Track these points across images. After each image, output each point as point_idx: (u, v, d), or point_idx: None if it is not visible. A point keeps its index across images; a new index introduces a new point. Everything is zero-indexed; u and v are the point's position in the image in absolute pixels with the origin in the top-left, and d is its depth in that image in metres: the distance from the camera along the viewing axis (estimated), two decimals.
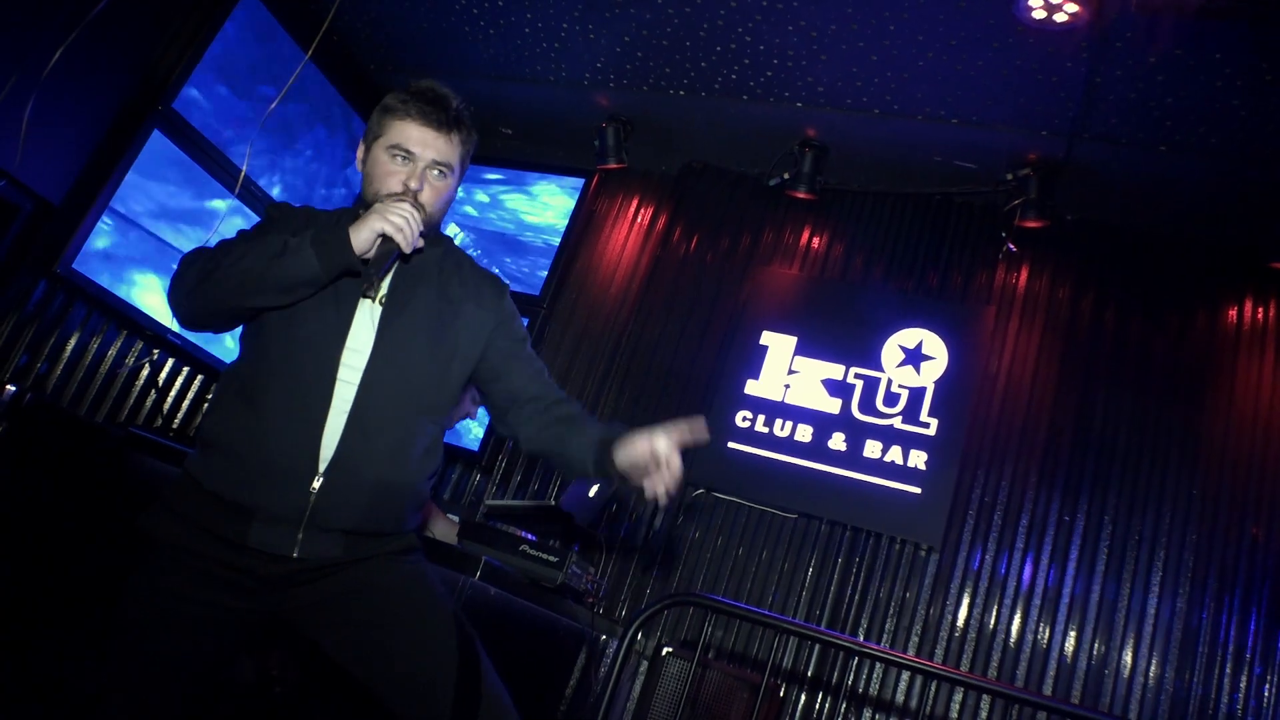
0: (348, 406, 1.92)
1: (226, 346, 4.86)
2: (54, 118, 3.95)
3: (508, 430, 2.22)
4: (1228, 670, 3.91)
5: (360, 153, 2.11)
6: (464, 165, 2.13)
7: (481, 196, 5.92)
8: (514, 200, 5.84)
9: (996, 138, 4.49)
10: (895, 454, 4.54)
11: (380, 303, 2.00)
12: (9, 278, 4.00)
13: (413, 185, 1.99)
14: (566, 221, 5.61)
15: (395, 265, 2.02)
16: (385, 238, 1.90)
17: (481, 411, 5.24)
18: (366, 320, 1.99)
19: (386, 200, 1.95)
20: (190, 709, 1.91)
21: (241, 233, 2.06)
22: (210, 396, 3.51)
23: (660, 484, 1.90)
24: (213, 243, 2.04)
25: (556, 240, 5.59)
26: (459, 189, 2.20)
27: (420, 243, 1.98)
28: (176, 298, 1.96)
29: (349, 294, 1.98)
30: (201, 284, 1.89)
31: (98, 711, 1.84)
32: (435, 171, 2.04)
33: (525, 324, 2.30)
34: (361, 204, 2.08)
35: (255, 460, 1.87)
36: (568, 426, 2.12)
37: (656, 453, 1.89)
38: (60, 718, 2.88)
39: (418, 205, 1.96)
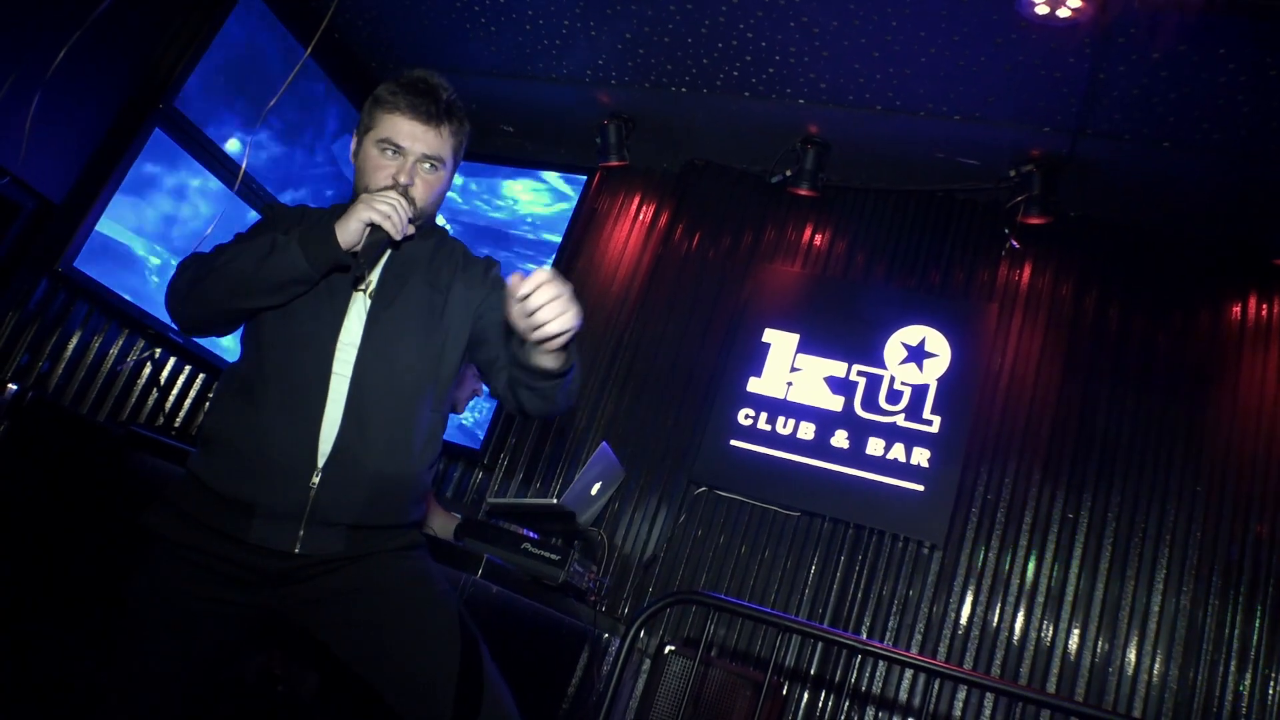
0: (343, 400, 1.92)
1: (228, 345, 4.85)
2: (55, 116, 3.95)
3: (489, 385, 2.15)
4: (1232, 668, 3.90)
5: (353, 146, 2.10)
6: (457, 157, 2.11)
7: (459, 180, 5.91)
8: (498, 186, 5.83)
9: (999, 134, 4.47)
10: (898, 451, 4.53)
11: (370, 296, 2.00)
12: (10, 276, 4.00)
13: (402, 180, 1.98)
14: (549, 207, 5.61)
15: (386, 255, 2.01)
16: (374, 227, 1.89)
17: (477, 406, 5.24)
18: (359, 315, 1.98)
19: (373, 192, 1.95)
20: (191, 706, 1.91)
21: (238, 235, 2.06)
22: (211, 395, 3.51)
23: (533, 316, 1.67)
24: (207, 247, 2.03)
25: (540, 231, 5.59)
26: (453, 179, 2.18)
27: (411, 230, 1.97)
28: (173, 304, 1.97)
29: (343, 289, 1.98)
30: (194, 289, 1.90)
31: (99, 709, 1.84)
32: (426, 165, 2.02)
33: None
34: (354, 197, 2.08)
35: (255, 457, 1.87)
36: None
37: (514, 289, 1.67)
38: (60, 718, 2.87)
39: (409, 199, 1.95)
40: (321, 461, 1.89)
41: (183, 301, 1.93)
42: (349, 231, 1.88)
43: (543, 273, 1.67)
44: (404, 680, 1.88)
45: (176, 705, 1.89)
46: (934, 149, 4.74)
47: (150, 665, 1.86)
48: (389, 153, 2.00)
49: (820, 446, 4.65)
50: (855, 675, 4.26)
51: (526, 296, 1.66)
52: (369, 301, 2.00)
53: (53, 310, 4.18)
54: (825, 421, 4.69)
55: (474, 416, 5.25)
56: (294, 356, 1.92)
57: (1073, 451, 4.40)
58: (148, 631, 1.87)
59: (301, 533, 1.88)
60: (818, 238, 5.21)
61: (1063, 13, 3.64)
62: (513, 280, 1.67)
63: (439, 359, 2.07)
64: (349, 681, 2.72)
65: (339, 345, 1.95)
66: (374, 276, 2.02)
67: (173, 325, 4.45)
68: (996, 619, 4.22)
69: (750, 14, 4.18)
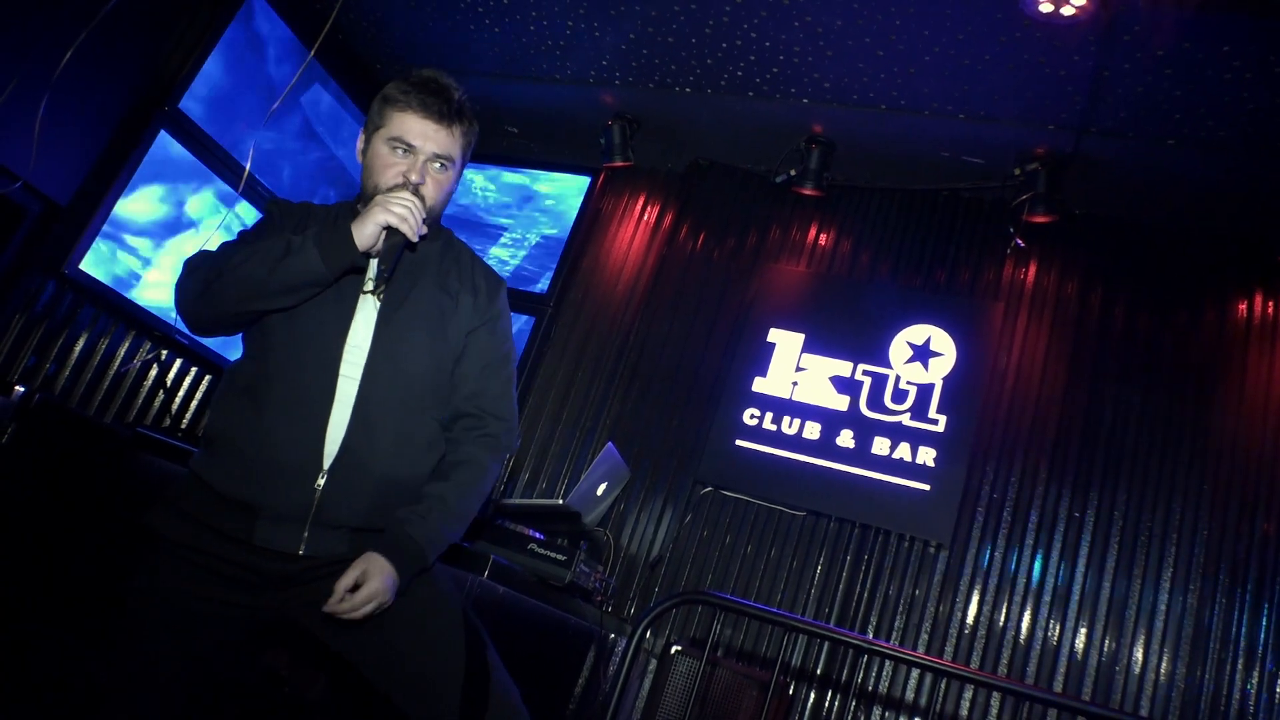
0: (350, 402, 1.91)
1: (235, 346, 4.86)
2: (61, 118, 3.96)
3: None
4: (1239, 666, 3.89)
5: (360, 144, 2.09)
6: (465, 157, 2.11)
7: None
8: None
9: (1003, 132, 4.47)
10: (904, 451, 4.53)
11: (379, 297, 1.99)
12: (17, 279, 4.01)
13: (414, 178, 1.97)
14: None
15: (401, 255, 2.01)
16: (390, 230, 1.89)
17: None
18: (367, 316, 1.98)
19: (386, 193, 1.94)
20: (194, 707, 1.91)
21: (242, 233, 2.04)
22: (214, 395, 3.48)
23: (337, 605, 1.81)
24: (213, 245, 2.02)
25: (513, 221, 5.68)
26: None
27: (424, 230, 1.97)
28: (183, 305, 1.94)
29: (350, 290, 1.97)
30: (207, 291, 1.88)
31: (101, 709, 1.84)
32: (437, 164, 2.02)
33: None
34: (362, 195, 2.07)
35: (259, 458, 1.87)
36: (435, 479, 2.03)
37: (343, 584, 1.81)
38: (60, 718, 2.88)
39: (419, 197, 1.95)
40: (327, 463, 1.88)
41: (195, 302, 1.91)
42: (365, 235, 1.87)
43: (339, 592, 1.80)
44: (411, 680, 1.88)
45: (177, 705, 1.88)
46: (938, 148, 4.74)
47: (150, 665, 1.86)
48: (400, 151, 2.00)
49: (826, 446, 4.64)
50: (861, 675, 4.25)
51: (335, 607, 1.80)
52: (378, 303, 1.99)
53: (59, 312, 4.19)
54: (831, 421, 4.69)
55: None
56: (300, 358, 1.92)
57: (1078, 450, 4.40)
58: (148, 631, 1.87)
59: (306, 534, 1.88)
60: (822, 237, 5.21)
61: (1066, 11, 3.63)
62: (334, 596, 1.80)
63: (445, 363, 2.07)
64: (354, 683, 2.73)
65: (347, 347, 1.94)
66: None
67: (176, 325, 4.48)
68: (1003, 618, 4.21)
69: (754, 14, 4.18)
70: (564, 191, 5.73)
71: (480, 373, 2.11)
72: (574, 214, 5.65)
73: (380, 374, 1.94)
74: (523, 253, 5.65)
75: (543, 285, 5.49)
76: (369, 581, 1.81)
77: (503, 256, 5.65)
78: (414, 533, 1.92)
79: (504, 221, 5.78)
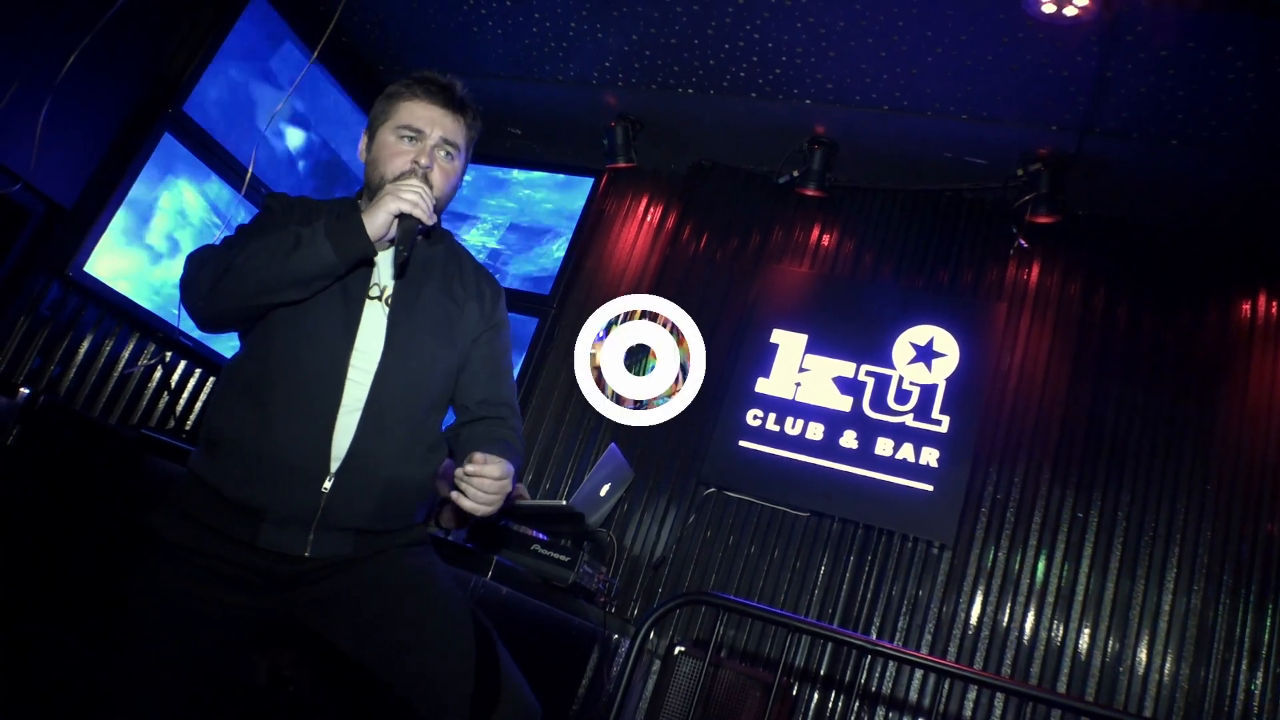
0: (359, 405, 1.91)
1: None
2: (65, 120, 3.97)
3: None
4: (1243, 667, 3.88)
5: (364, 143, 2.11)
6: (470, 151, 2.13)
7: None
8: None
9: (1006, 133, 4.47)
10: (907, 451, 4.53)
11: (387, 303, 2.00)
12: (22, 281, 4.01)
13: (423, 162, 1.99)
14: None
15: (407, 250, 2.00)
16: (403, 216, 1.90)
17: None
18: (373, 320, 1.98)
19: (395, 181, 1.95)
20: (195, 707, 1.91)
21: (242, 228, 2.03)
22: (212, 392, 3.41)
23: (466, 498, 1.84)
24: (217, 241, 2.03)
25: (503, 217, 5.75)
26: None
27: (435, 218, 1.97)
28: (192, 302, 1.92)
29: (357, 292, 1.97)
30: (217, 286, 1.87)
31: (101, 709, 1.84)
32: (444, 152, 2.04)
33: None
34: (366, 190, 2.08)
35: (264, 460, 1.86)
36: (466, 436, 2.13)
37: (466, 467, 1.84)
38: (60, 718, 2.88)
39: (428, 184, 1.96)
40: (335, 466, 1.88)
41: (205, 298, 1.88)
42: (377, 223, 1.88)
43: (498, 466, 1.83)
44: (421, 675, 1.88)
45: (177, 706, 1.88)
46: (941, 148, 4.74)
47: (151, 665, 1.85)
48: (407, 139, 2.02)
49: (829, 447, 4.64)
50: (865, 676, 4.25)
51: (474, 474, 1.82)
52: (386, 308, 2.00)
53: (64, 314, 4.20)
54: (834, 422, 4.69)
55: None
56: (305, 359, 1.91)
57: (1082, 450, 4.39)
58: (148, 632, 1.87)
59: (311, 537, 1.87)
60: (825, 238, 5.21)
61: (1069, 11, 3.63)
62: (476, 456, 1.83)
63: (451, 368, 2.08)
64: (354, 682, 2.73)
65: (354, 350, 1.94)
66: (389, 283, 2.02)
67: (179, 327, 4.48)
68: (1006, 619, 4.21)
69: (757, 15, 4.18)
70: (535, 179, 5.83)
71: (489, 378, 2.16)
72: (544, 199, 5.75)
73: (392, 377, 1.95)
74: (499, 233, 5.72)
75: (513, 267, 5.56)
76: (499, 463, 1.84)
77: (475, 243, 5.72)
78: (513, 445, 2.06)
79: (488, 204, 5.86)
